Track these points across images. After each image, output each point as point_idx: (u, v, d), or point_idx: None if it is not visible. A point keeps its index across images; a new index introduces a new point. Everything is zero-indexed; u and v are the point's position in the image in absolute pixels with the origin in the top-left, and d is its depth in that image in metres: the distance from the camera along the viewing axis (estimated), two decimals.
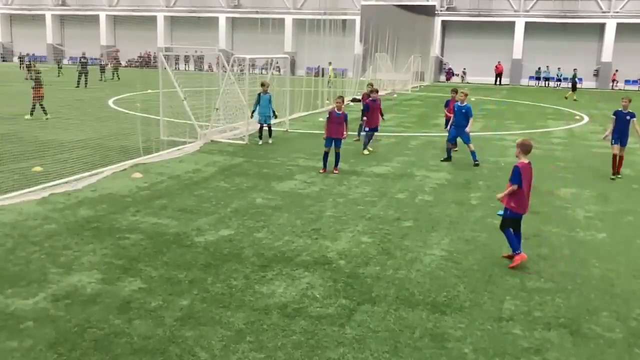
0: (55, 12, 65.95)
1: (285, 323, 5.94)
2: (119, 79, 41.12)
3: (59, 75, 40.85)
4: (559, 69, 51.71)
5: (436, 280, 7.21)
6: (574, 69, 44.97)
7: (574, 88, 37.84)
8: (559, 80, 52.09)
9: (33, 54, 56.06)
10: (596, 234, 9.35)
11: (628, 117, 13.32)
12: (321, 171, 13.25)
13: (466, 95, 15.29)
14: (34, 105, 20.31)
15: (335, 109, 13.29)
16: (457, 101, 15.44)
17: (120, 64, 46.48)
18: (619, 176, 13.48)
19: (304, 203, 10.60)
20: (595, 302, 6.72)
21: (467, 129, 14.68)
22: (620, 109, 13.44)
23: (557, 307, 6.54)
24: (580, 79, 51.03)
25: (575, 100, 35.75)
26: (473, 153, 14.68)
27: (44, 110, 20.29)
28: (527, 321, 6.19)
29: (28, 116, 20.11)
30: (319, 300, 6.50)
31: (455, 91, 16.80)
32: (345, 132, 13.30)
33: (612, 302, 6.75)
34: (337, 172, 13.18)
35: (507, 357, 5.48)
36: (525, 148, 7.87)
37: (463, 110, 14.69)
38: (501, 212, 10.14)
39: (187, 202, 10.42)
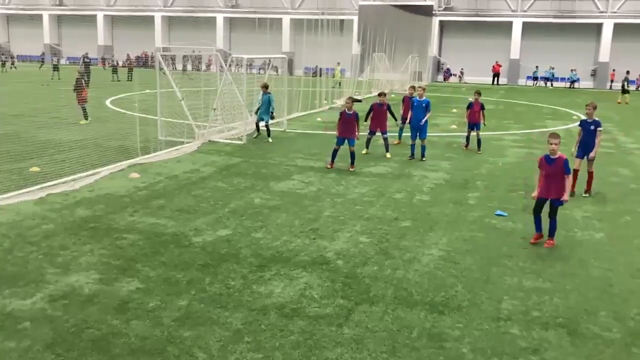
0: (53, 12, 65.82)
1: (283, 323, 5.94)
2: (131, 79, 40.72)
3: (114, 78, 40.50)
4: (551, 67, 51.82)
5: (434, 280, 7.21)
6: (627, 71, 43.21)
7: (624, 91, 36.31)
8: (550, 79, 52.21)
9: (54, 55, 55.04)
10: (594, 233, 9.35)
11: (593, 127, 11.60)
12: (328, 166, 13.64)
13: (424, 90, 16.08)
14: (82, 108, 20.22)
15: (346, 110, 13.52)
16: (414, 96, 16.02)
17: (132, 65, 46.23)
18: (586, 195, 11.65)
19: (302, 203, 10.59)
20: (594, 302, 6.73)
21: (422, 122, 15.14)
22: (585, 118, 11.85)
23: (555, 307, 6.55)
24: (579, 79, 51.21)
25: (626, 103, 34.81)
26: (424, 148, 15.22)
27: (84, 114, 20.19)
28: (525, 321, 6.19)
29: (83, 121, 19.92)
30: (317, 301, 6.50)
31: (478, 93, 16.66)
32: (357, 132, 13.57)
33: (610, 301, 6.75)
34: (353, 169, 13.48)
35: (505, 357, 5.48)
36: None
37: (423, 105, 15.24)
38: (499, 212, 10.21)
39: (185, 202, 10.41)
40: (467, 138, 16.91)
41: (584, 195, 11.62)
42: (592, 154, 11.60)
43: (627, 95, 35.99)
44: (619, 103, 35.02)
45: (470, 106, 16.55)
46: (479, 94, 16.75)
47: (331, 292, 6.75)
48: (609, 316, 6.36)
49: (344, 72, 39.06)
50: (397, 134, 17.69)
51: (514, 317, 6.28)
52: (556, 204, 8.38)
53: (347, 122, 13.45)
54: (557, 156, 8.36)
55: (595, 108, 11.71)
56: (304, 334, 5.73)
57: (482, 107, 16.48)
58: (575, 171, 11.53)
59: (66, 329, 5.70)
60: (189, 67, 51.33)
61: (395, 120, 16.80)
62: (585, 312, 6.44)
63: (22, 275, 6.94)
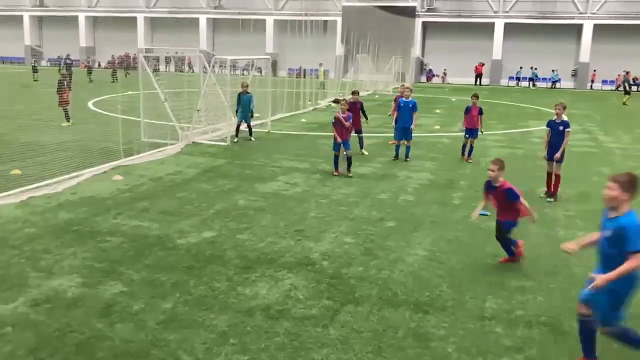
0: (33, 13, 65.09)
1: (269, 325, 5.93)
2: (115, 81, 40.36)
3: (90, 81, 39.99)
4: (534, 68, 52.42)
5: (419, 280, 7.25)
6: (626, 72, 42.51)
7: (627, 91, 35.97)
8: (532, 79, 52.86)
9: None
10: (577, 232, 9.43)
11: (561, 128, 11.31)
12: (335, 174, 13.01)
13: (411, 90, 15.87)
14: (64, 110, 19.98)
15: (340, 112, 13.03)
16: (402, 97, 15.70)
17: (115, 66, 45.61)
18: (550, 200, 11.38)
19: (287, 204, 10.58)
20: (576, 300, 6.76)
21: (413, 126, 15.17)
22: (553, 119, 11.53)
23: (538, 306, 6.61)
24: (560, 79, 51.77)
25: (624, 104, 34.68)
26: (408, 148, 15.18)
27: (66, 116, 19.96)
28: (509, 320, 6.24)
29: (65, 123, 19.66)
30: (303, 302, 6.50)
31: (476, 96, 15.39)
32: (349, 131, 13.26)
33: None
34: (350, 174, 12.99)
35: (490, 355, 5.52)
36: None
37: (410, 105, 15.14)
38: (482, 211, 10.24)
39: (169, 204, 10.35)
40: (464, 147, 15.48)
41: (548, 200, 11.33)
42: (557, 155, 11.26)
43: (628, 96, 35.74)
44: (624, 104, 34.90)
45: (468, 111, 15.24)
46: (477, 97, 15.42)
47: (317, 293, 6.75)
48: None
49: (328, 73, 39.12)
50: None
51: (498, 316, 6.33)
52: (506, 226, 7.79)
53: (343, 125, 12.93)
54: (498, 184, 7.61)
55: (564, 108, 11.38)
56: (289, 335, 5.73)
57: (481, 112, 15.21)
58: (549, 174, 11.53)
59: (49, 333, 5.64)
60: (172, 68, 51.02)
61: (366, 119, 16.75)
62: (568, 310, 6.49)
63: (4, 280, 6.85)
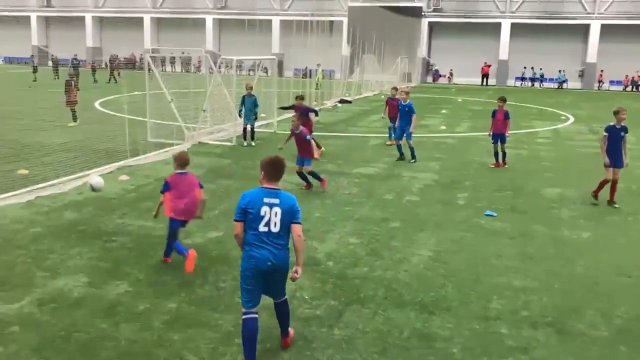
0: (40, 13, 65.40)
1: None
2: (115, 82, 40.55)
3: (95, 81, 40.16)
4: (535, 68, 52.38)
5: (424, 280, 7.24)
6: None
7: None
8: (533, 79, 52.76)
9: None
10: (581, 233, 9.42)
11: (622, 134, 10.87)
12: (305, 187, 11.81)
13: (407, 93, 15.88)
14: (71, 110, 20.06)
15: (293, 128, 11.71)
16: (400, 100, 15.72)
17: (113, 67, 45.66)
18: (615, 205, 10.94)
19: None
20: (580, 301, 6.78)
21: (412, 129, 15.24)
22: (613, 124, 10.97)
23: (543, 306, 6.59)
24: (567, 80, 51.59)
25: None
26: (412, 149, 15.15)
27: (73, 116, 20.04)
28: (513, 320, 6.23)
29: (72, 123, 19.72)
30: (308, 302, 6.51)
31: (503, 99, 14.52)
32: (315, 152, 12.00)
33: (596, 300, 6.81)
34: (312, 188, 11.73)
35: (494, 356, 5.51)
36: (181, 161, 7.78)
37: (406, 109, 15.25)
38: (489, 212, 10.24)
39: None
40: (496, 154, 14.44)
41: (614, 206, 10.92)
42: (627, 161, 11.01)
43: None
44: None
45: (494, 114, 14.41)
46: (504, 100, 14.53)
47: (321, 293, 6.76)
48: (595, 315, 6.42)
49: (333, 74, 39.00)
50: (388, 135, 17.82)
51: (502, 316, 6.32)
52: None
53: (297, 142, 11.75)
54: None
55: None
56: (294, 335, 5.73)
57: (507, 116, 14.24)
58: (608, 181, 10.98)
59: (54, 333, 5.67)
60: (178, 68, 51.04)
61: (316, 114, 16.56)
62: (573, 311, 6.49)
63: (9, 279, 6.89)
